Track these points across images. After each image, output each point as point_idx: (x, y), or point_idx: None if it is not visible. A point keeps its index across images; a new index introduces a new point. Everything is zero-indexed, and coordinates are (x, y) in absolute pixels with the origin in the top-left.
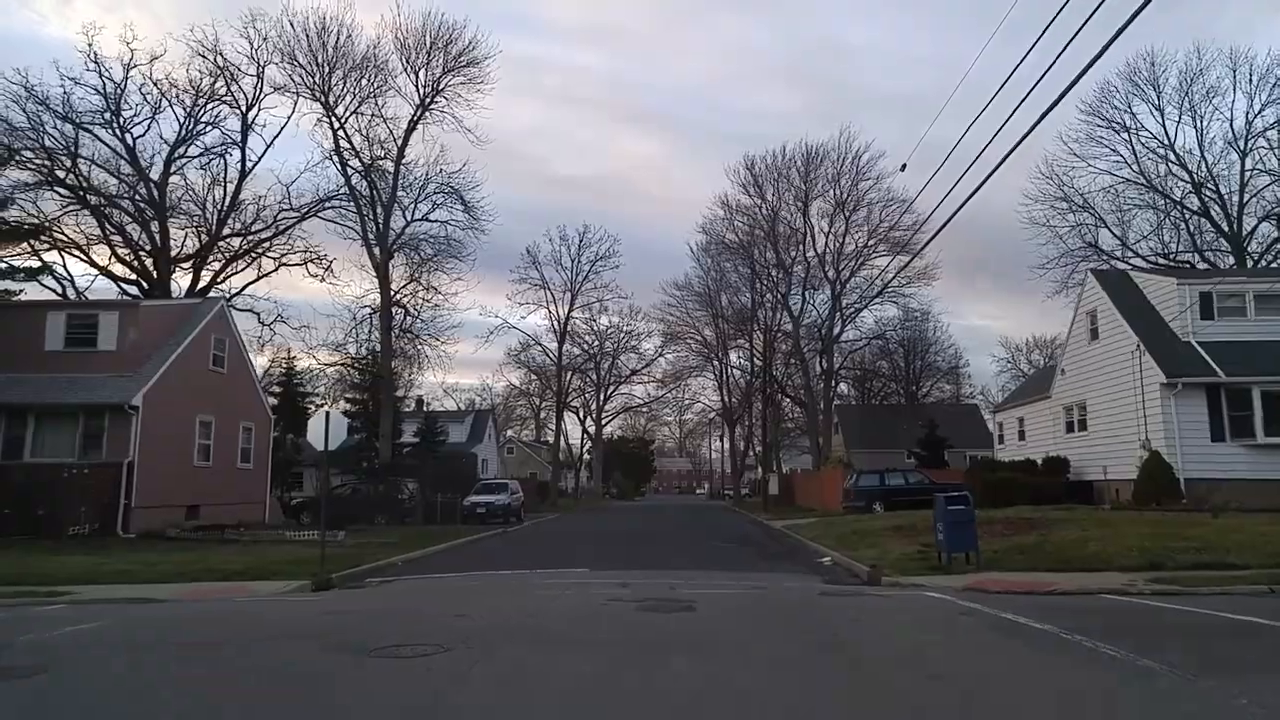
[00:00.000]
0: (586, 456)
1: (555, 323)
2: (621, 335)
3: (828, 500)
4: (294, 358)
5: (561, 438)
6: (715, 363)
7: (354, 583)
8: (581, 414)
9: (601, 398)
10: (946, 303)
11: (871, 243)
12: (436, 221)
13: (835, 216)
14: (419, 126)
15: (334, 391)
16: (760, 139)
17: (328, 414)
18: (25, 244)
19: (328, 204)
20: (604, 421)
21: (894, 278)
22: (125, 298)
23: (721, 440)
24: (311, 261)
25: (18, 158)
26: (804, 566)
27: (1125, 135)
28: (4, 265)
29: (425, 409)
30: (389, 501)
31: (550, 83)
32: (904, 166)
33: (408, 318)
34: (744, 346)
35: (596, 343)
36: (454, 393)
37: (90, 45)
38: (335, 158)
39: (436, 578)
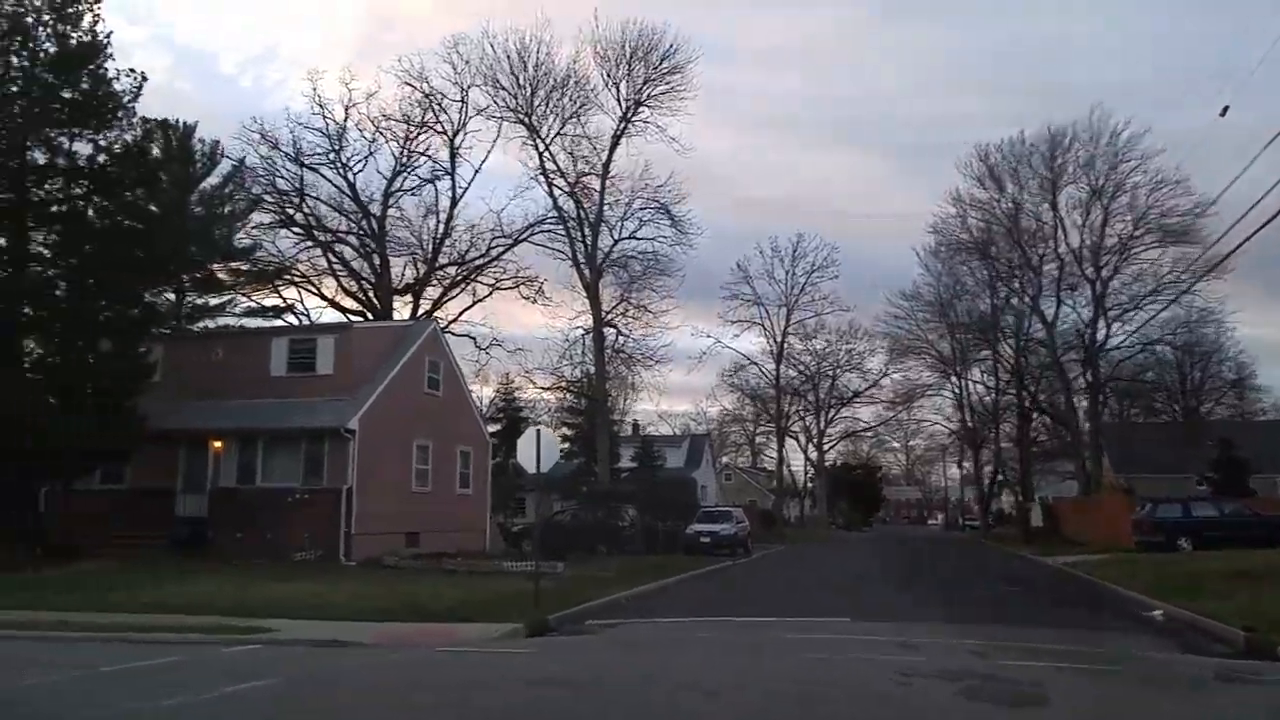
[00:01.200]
0: (810, 484)
1: (771, 340)
2: (841, 353)
3: (1105, 533)
4: (513, 384)
5: (782, 464)
6: (953, 379)
7: (573, 625)
8: (802, 439)
9: (822, 421)
10: (1235, 302)
11: (1138, 233)
12: (644, 239)
13: (1091, 205)
14: (622, 141)
15: (555, 418)
16: (970, 144)
17: (538, 431)
18: (270, 284)
19: (537, 228)
20: (826, 447)
21: (1194, 284)
22: (340, 321)
23: (960, 465)
24: (524, 284)
25: (261, 202)
26: (1127, 621)
27: None
28: (255, 305)
29: (640, 433)
30: (609, 529)
31: (739, 105)
32: (1224, 110)
33: (620, 337)
34: (986, 359)
35: (814, 362)
36: (668, 418)
37: (314, 89)
38: (541, 179)
39: (667, 624)
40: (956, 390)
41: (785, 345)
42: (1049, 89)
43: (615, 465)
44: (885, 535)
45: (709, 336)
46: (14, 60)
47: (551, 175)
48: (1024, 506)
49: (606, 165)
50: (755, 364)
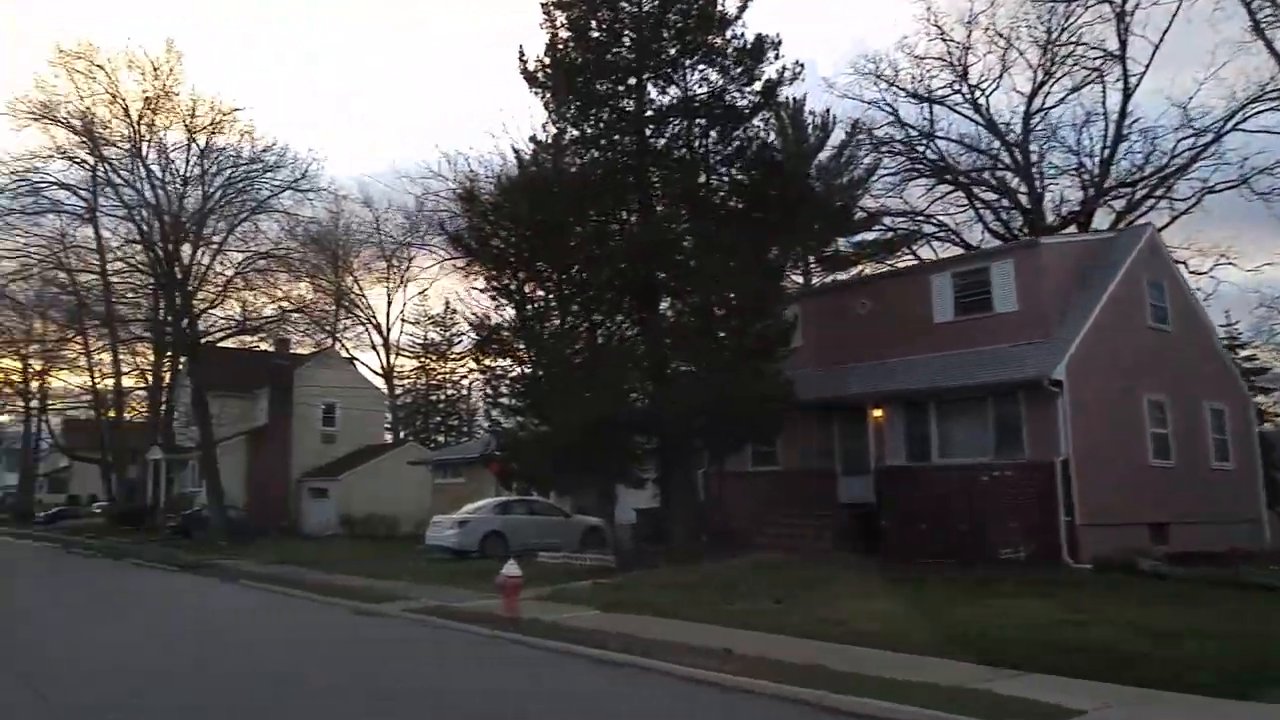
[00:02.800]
0: None
1: None
2: None
3: None
4: (1235, 326)
5: None
6: None
7: None
8: None
9: None
10: None
11: None
12: None
13: None
14: None
15: None
16: None
17: None
18: (902, 250)
19: (1256, 104)
20: None
21: None
22: (1020, 239)
23: None
24: (1253, 176)
25: (881, 164)
26: None
27: None
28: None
29: None
30: None
31: None
32: None
33: None
34: None
35: None
36: None
37: (928, 8)
38: (1255, 36)
39: None
40: None
41: None
42: None
43: None
44: None
45: None
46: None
47: (1271, 24)
48: None
49: None
50: None
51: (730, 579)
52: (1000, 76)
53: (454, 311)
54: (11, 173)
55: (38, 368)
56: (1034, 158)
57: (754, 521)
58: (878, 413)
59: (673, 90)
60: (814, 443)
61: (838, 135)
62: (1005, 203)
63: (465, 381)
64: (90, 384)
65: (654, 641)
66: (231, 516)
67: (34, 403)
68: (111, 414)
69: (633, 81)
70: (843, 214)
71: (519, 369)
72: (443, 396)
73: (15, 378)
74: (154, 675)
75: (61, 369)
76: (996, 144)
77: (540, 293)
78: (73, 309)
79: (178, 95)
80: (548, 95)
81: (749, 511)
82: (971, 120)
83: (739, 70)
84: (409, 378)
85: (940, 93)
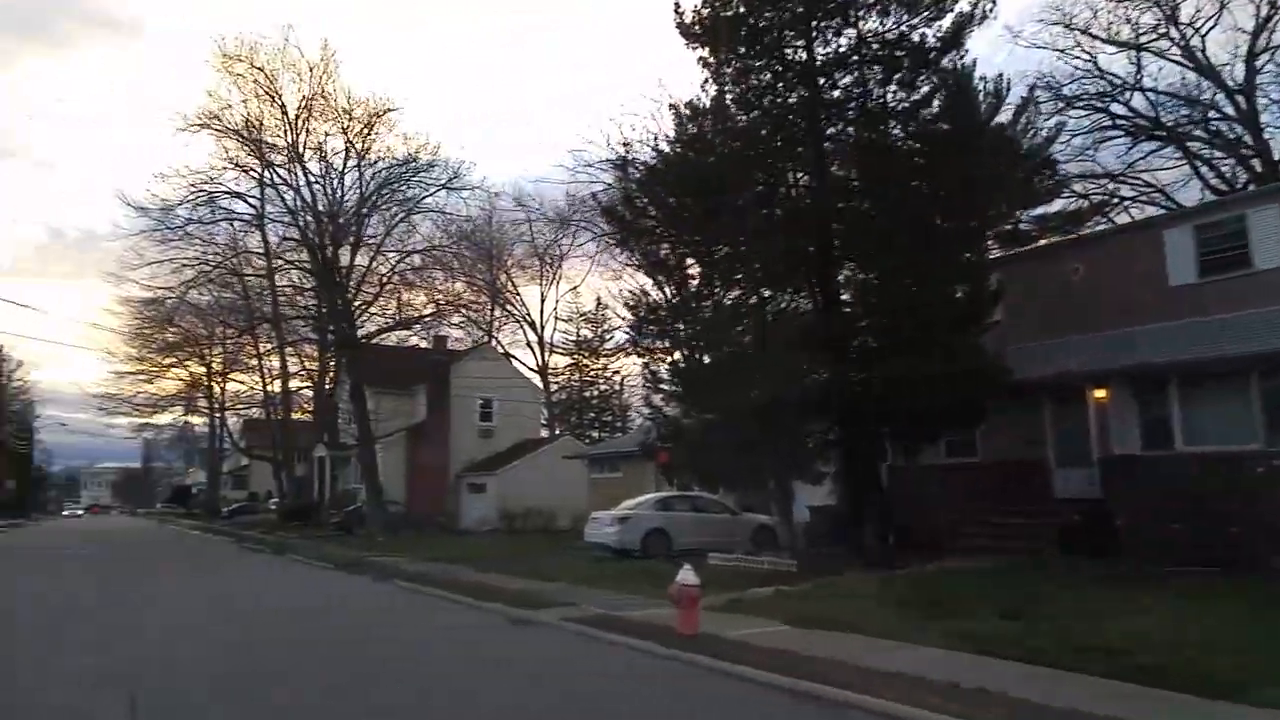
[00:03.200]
0: None
1: None
2: None
3: None
4: None
5: None
6: None
7: None
8: None
9: None
10: None
11: None
12: None
13: None
14: None
15: None
16: None
17: None
18: (1093, 218)
19: None
20: None
21: None
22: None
23: None
24: None
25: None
26: None
27: None
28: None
29: None
30: None
31: None
32: None
33: None
34: None
35: None
36: None
37: None
38: None
39: None
40: None
41: None
42: None
43: None
44: None
45: None
46: None
47: None
48: None
49: None
50: None
51: (936, 588)
52: (1218, 13)
53: (605, 307)
54: (189, 185)
55: (218, 369)
56: (1261, 102)
57: (949, 521)
58: (1100, 393)
59: (847, 33)
60: (1021, 429)
61: (1014, 97)
62: (1221, 155)
63: (618, 377)
64: (261, 385)
65: (870, 671)
66: (391, 512)
67: (215, 404)
68: (280, 414)
69: (802, 27)
70: (1030, 181)
71: (679, 351)
72: (596, 393)
73: (201, 380)
74: (256, 676)
75: (237, 370)
76: (1212, 91)
77: (699, 267)
78: (245, 313)
79: (333, 97)
80: (706, 50)
81: (943, 509)
82: (1182, 66)
83: (924, 5)
84: (563, 374)
85: (1144, 38)
